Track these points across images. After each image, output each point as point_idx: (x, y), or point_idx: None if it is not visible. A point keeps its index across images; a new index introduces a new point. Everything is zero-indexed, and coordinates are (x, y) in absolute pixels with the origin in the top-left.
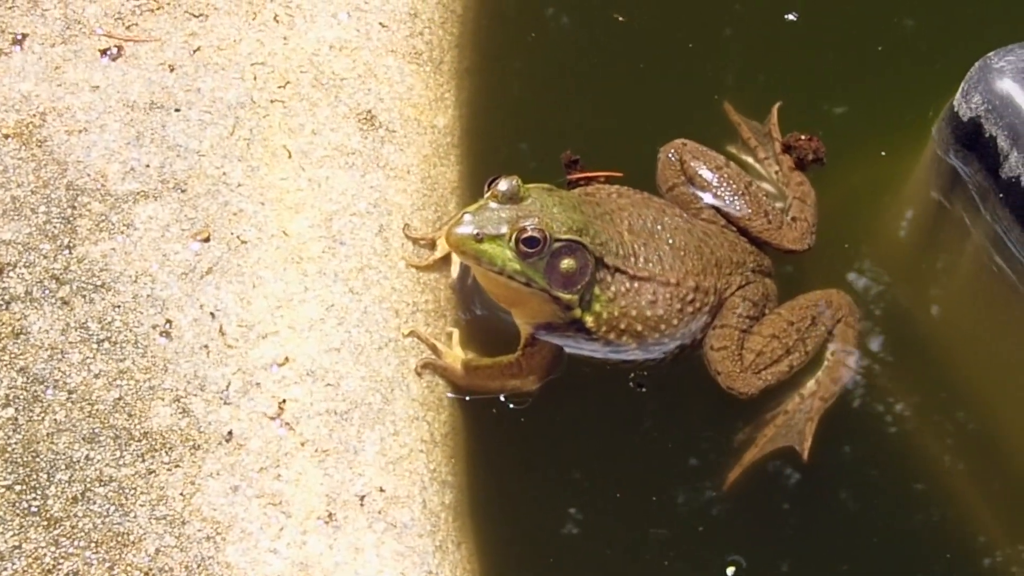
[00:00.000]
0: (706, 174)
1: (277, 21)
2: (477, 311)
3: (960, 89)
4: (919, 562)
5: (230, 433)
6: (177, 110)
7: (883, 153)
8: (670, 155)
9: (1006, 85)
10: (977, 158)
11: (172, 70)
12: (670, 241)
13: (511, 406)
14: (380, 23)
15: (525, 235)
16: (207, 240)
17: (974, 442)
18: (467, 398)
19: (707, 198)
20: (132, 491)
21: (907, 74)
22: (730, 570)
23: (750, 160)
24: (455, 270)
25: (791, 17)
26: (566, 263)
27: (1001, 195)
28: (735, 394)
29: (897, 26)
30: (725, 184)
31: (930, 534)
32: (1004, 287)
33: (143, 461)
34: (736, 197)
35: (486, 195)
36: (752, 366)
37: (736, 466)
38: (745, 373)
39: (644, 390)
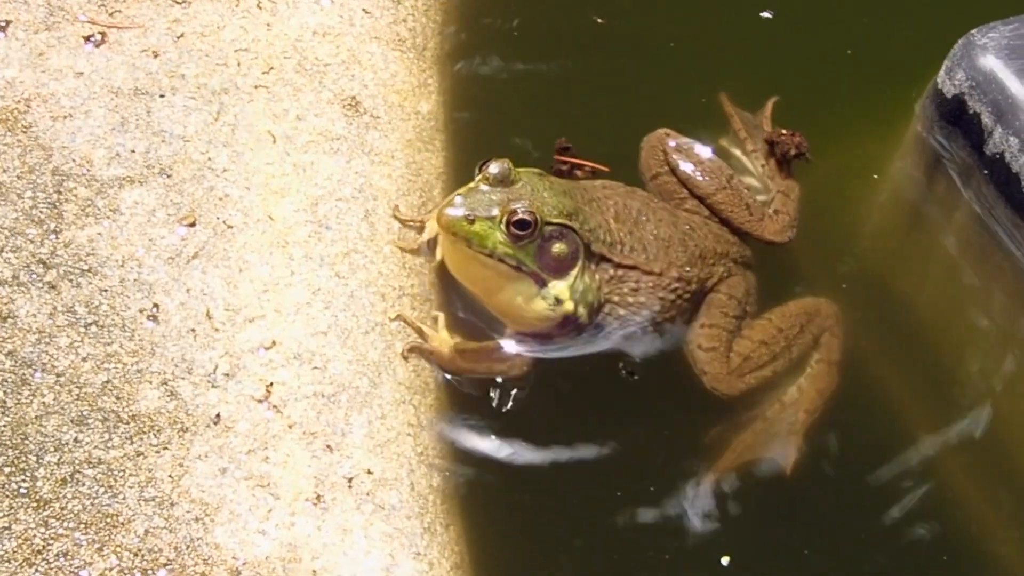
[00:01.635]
0: (689, 164)
1: (260, 7)
2: (459, 313)
3: (943, 66)
4: (909, 561)
5: (218, 416)
6: (162, 96)
7: (875, 176)
8: (653, 144)
9: (989, 61)
10: (961, 135)
11: (156, 56)
12: (655, 231)
13: (500, 391)
14: (363, 9)
15: (516, 217)
16: (193, 225)
17: (959, 425)
18: (455, 383)
19: (689, 188)
20: (121, 473)
21: (889, 54)
22: (725, 559)
23: (737, 152)
24: (440, 252)
25: (767, 15)
26: (557, 247)
27: (985, 172)
28: (717, 395)
29: (877, 7)
30: (707, 175)
31: (921, 528)
32: (988, 265)
33: (131, 443)
34: (718, 189)
35: (477, 178)
36: (738, 369)
37: (712, 471)
38: (731, 376)
39: (636, 378)
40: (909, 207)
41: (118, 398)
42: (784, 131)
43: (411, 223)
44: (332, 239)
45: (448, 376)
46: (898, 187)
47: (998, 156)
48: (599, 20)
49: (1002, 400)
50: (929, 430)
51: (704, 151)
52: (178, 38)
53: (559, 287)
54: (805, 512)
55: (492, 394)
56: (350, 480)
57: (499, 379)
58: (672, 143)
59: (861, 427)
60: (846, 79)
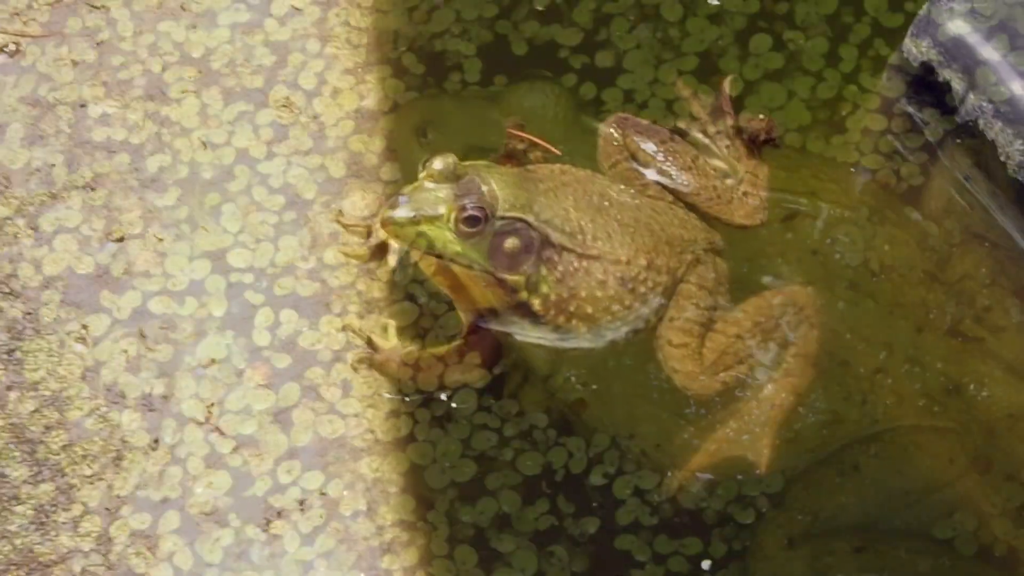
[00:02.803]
0: (650, 148)
1: (184, 8)
2: (420, 299)
3: (908, 33)
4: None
5: (156, 441)
6: (83, 106)
7: (852, 169)
8: (611, 130)
9: (957, 26)
10: (931, 104)
11: (75, 65)
12: (618, 217)
13: (454, 405)
14: (293, 6)
15: (465, 213)
16: (121, 240)
17: (948, 410)
18: (406, 398)
19: (651, 174)
20: (52, 509)
21: (851, 26)
22: (706, 563)
23: (699, 135)
24: (393, 258)
25: (714, 1)
26: (510, 242)
27: (958, 140)
28: (689, 394)
29: None
30: (670, 159)
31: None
32: (967, 234)
33: (63, 476)
34: (682, 172)
35: (421, 175)
36: (711, 367)
37: (684, 470)
38: (704, 374)
39: (595, 387)
40: (882, 180)
41: (47, 428)
42: (753, 116)
43: (355, 228)
44: (271, 248)
45: (393, 396)
46: (870, 160)
47: (971, 123)
48: (539, 8)
49: (994, 378)
50: (914, 416)
51: (665, 132)
52: (98, 44)
53: (514, 280)
54: (786, 512)
55: (450, 404)
56: (302, 503)
57: (444, 396)
58: (631, 126)
59: (842, 417)
60: (806, 56)
